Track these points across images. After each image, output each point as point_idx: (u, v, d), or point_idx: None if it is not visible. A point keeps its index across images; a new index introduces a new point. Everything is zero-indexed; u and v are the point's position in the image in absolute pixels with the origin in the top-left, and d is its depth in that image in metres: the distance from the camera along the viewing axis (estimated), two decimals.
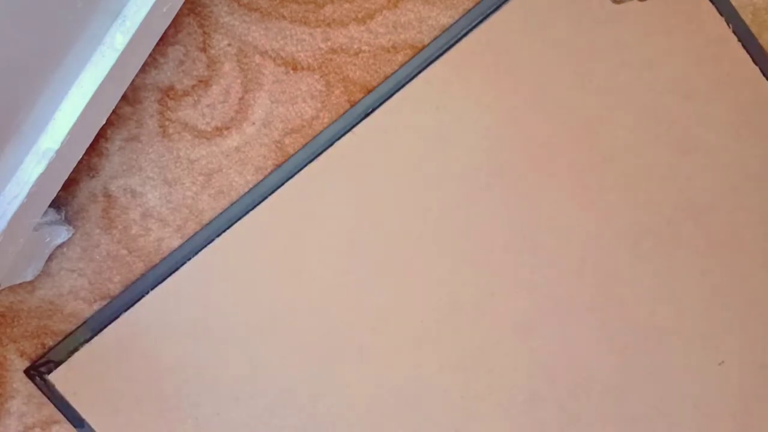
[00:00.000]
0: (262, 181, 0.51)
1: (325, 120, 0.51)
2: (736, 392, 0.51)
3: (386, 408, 0.50)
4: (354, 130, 0.50)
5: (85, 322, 0.50)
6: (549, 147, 0.51)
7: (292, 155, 0.51)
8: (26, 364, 0.51)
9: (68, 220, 0.50)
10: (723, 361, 0.51)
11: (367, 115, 0.50)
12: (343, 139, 0.50)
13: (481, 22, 0.51)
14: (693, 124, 0.51)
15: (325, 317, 0.50)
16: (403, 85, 0.51)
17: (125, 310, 0.50)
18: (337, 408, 0.50)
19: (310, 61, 0.51)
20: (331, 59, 0.51)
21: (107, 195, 0.51)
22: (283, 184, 0.50)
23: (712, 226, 0.51)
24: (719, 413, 0.51)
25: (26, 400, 0.50)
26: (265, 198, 0.50)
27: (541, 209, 0.51)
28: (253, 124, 0.51)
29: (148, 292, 0.50)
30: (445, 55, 0.51)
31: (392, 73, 0.51)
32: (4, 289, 0.50)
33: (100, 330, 0.50)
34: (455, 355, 0.50)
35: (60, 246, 0.50)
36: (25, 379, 0.51)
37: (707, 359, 0.51)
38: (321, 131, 0.51)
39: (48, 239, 0.48)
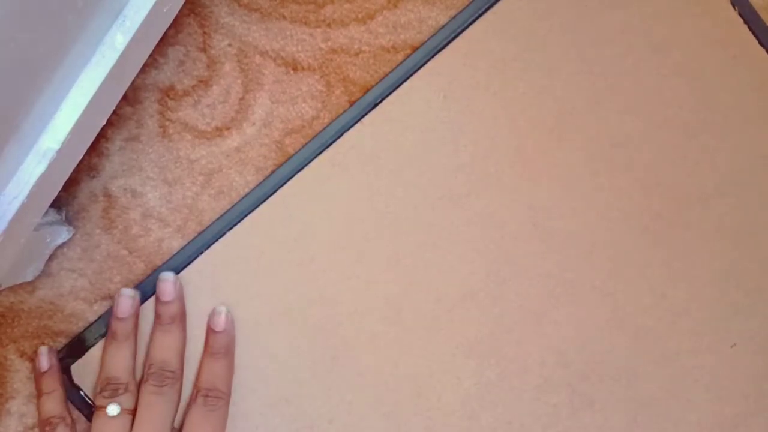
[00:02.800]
0: (275, 170, 0.51)
1: (326, 120, 0.51)
2: (748, 374, 0.51)
3: (399, 396, 0.50)
4: (363, 120, 0.50)
5: (99, 318, 0.50)
6: (557, 133, 0.51)
7: (303, 146, 0.51)
8: (26, 364, 0.50)
9: (69, 221, 0.50)
10: (735, 344, 0.51)
11: (376, 105, 0.51)
12: (352, 130, 0.50)
13: (487, 9, 0.51)
14: (701, 107, 0.51)
15: (337, 307, 0.50)
16: (411, 75, 0.51)
17: (139, 305, 0.49)
18: (350, 396, 0.50)
19: (310, 61, 0.51)
20: (331, 59, 0.51)
21: (107, 195, 0.51)
22: (294, 174, 0.50)
23: (721, 208, 0.52)
24: (732, 395, 0.51)
25: (26, 400, 0.50)
26: (276, 190, 0.50)
27: (550, 195, 0.51)
28: (254, 124, 0.51)
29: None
30: (452, 44, 0.51)
31: (400, 63, 0.51)
32: (4, 290, 0.50)
33: None
34: (467, 342, 0.51)
35: (60, 246, 0.50)
36: (26, 379, 0.50)
37: (719, 341, 0.51)
38: (331, 122, 0.51)
39: (48, 239, 0.48)
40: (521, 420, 0.50)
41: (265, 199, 0.50)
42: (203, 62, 0.51)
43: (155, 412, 0.45)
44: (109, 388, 0.45)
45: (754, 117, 0.52)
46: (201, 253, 0.50)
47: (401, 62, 0.51)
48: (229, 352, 0.48)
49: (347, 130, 0.50)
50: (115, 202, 0.51)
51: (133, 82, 0.43)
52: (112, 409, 0.45)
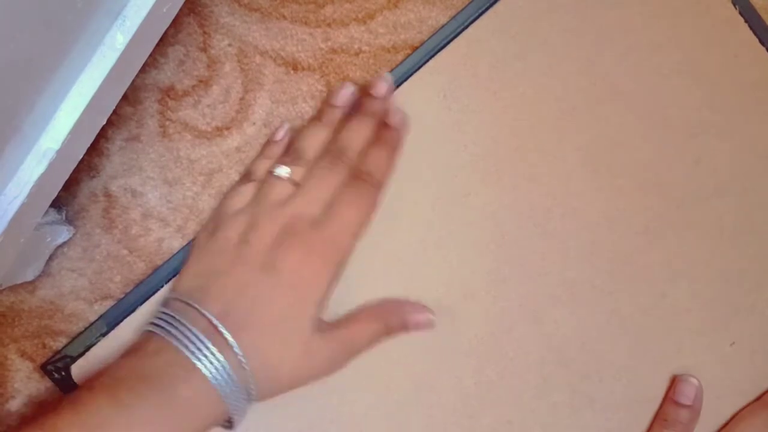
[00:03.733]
0: None
1: None
2: (747, 373, 0.51)
3: (400, 395, 0.50)
4: None
5: (101, 317, 0.50)
6: (557, 132, 0.51)
7: None
8: (27, 364, 0.50)
9: (69, 220, 0.50)
10: (734, 342, 0.51)
11: None
12: None
13: (487, 9, 0.51)
14: (701, 106, 0.52)
15: (338, 307, 0.49)
16: (411, 75, 0.51)
17: (141, 304, 0.49)
18: (351, 396, 0.50)
19: (310, 61, 0.51)
20: (331, 59, 0.51)
21: (108, 195, 0.51)
22: None
23: (721, 208, 0.52)
24: (731, 394, 0.51)
25: (26, 400, 0.50)
26: None
27: (550, 195, 0.51)
28: (254, 124, 0.51)
29: (162, 286, 0.49)
30: (452, 44, 0.51)
31: (399, 63, 0.51)
32: (4, 289, 0.50)
33: (116, 324, 0.49)
34: (467, 341, 0.51)
35: (60, 246, 0.50)
36: (26, 379, 0.50)
37: (718, 340, 0.51)
38: None
39: (49, 239, 0.48)
40: (522, 419, 0.51)
41: None
42: (203, 62, 0.51)
43: (323, 184, 0.45)
44: (291, 154, 0.46)
45: (755, 116, 0.52)
46: None
47: (401, 62, 0.51)
48: (396, 147, 0.49)
49: None
50: (116, 202, 0.51)
51: (133, 82, 0.43)
52: (281, 170, 0.45)
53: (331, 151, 0.46)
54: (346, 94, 0.49)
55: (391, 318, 0.48)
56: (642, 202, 0.52)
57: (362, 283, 0.50)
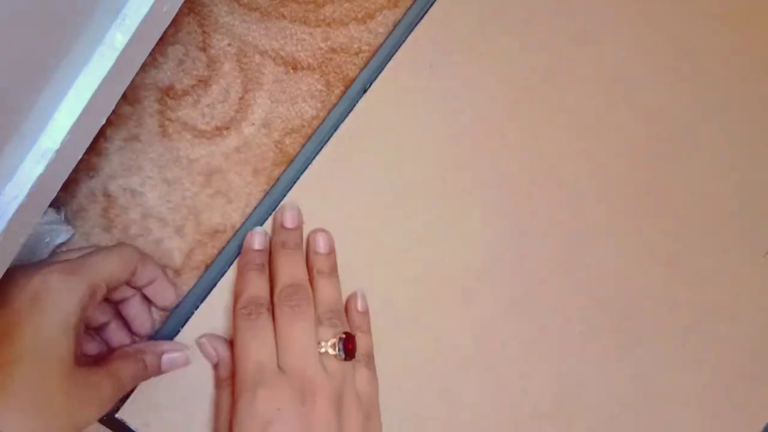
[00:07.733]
0: (279, 177, 0.50)
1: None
2: None
3: (448, 370, 0.50)
4: (355, 109, 0.50)
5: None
6: (551, 79, 0.51)
7: (301, 147, 0.51)
8: None
9: (68, 221, 0.50)
10: (767, 253, 0.50)
11: (365, 91, 0.50)
12: (347, 121, 0.50)
13: None
14: (690, 24, 0.51)
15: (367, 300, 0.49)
16: (394, 53, 0.50)
17: (176, 334, 0.48)
18: (399, 381, 0.49)
19: (310, 60, 0.51)
20: (331, 59, 0.51)
21: (107, 195, 0.51)
22: (298, 177, 0.50)
23: (728, 122, 0.52)
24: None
25: None
26: (282, 198, 0.50)
27: (557, 141, 0.51)
28: (253, 124, 0.51)
29: (192, 313, 0.48)
30: (429, 13, 0.50)
31: (380, 45, 0.51)
32: None
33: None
34: (503, 304, 0.50)
35: (60, 246, 0.50)
36: None
37: (752, 253, 0.51)
38: (324, 119, 0.51)
39: (48, 239, 0.47)
40: (572, 370, 0.50)
41: (271, 212, 0.49)
42: (203, 62, 0.51)
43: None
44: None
45: (744, 26, 0.51)
46: (229, 265, 0.49)
47: (382, 43, 0.51)
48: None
49: (342, 122, 0.50)
50: (115, 202, 0.51)
51: (132, 81, 0.43)
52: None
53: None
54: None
55: (148, 356, 0.45)
56: (649, 131, 0.51)
57: (385, 272, 0.50)
